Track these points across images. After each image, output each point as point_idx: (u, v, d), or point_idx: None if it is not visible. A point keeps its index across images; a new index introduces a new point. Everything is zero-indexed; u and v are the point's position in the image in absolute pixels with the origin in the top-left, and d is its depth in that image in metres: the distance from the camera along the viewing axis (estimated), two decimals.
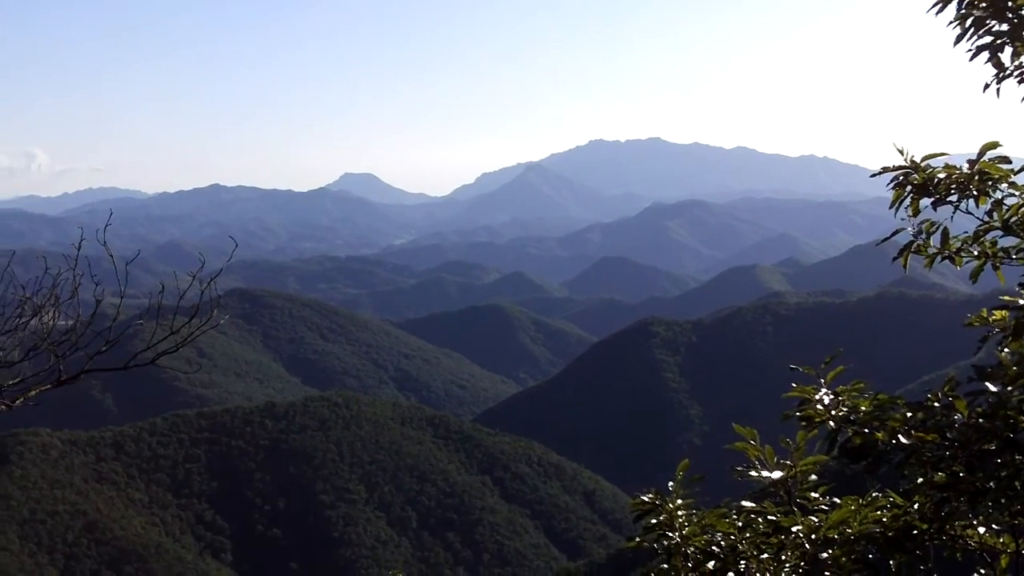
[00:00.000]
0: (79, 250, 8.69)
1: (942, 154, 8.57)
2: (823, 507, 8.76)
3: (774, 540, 8.62)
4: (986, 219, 8.15)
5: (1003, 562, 8.28)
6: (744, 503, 8.94)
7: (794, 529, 8.46)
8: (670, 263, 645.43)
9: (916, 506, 8.26)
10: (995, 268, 8.28)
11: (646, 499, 9.23)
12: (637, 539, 9.29)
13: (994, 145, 8.00)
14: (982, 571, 8.37)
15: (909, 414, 8.17)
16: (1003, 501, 7.74)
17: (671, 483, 9.25)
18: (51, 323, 8.88)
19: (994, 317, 8.34)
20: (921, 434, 8.01)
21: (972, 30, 8.39)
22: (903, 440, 8.08)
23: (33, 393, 8.79)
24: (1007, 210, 8.02)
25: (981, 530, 8.27)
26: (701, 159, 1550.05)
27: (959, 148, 8.76)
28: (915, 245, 8.41)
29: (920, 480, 8.18)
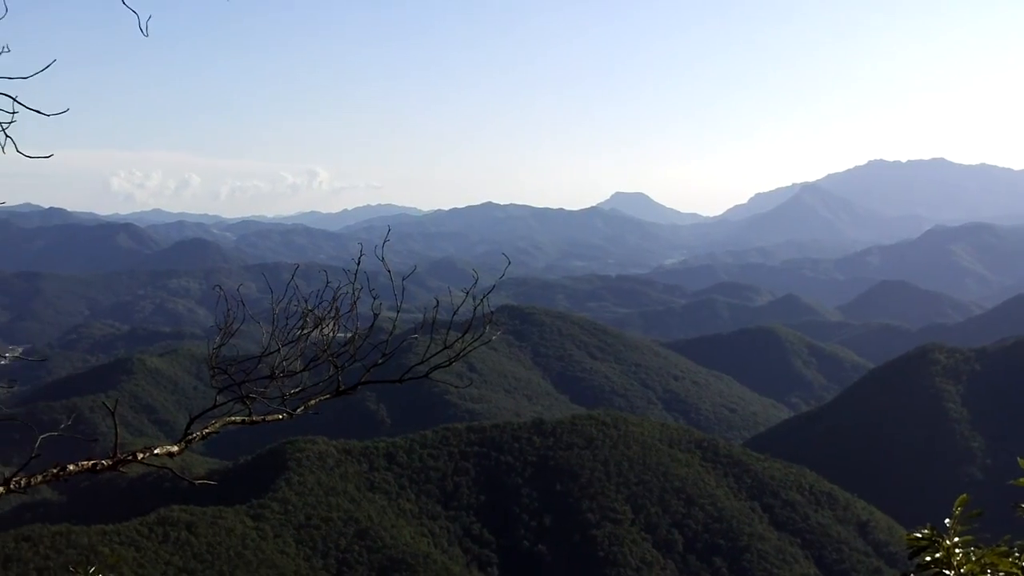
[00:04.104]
0: (358, 265, 8.93)
1: None
2: None
3: None
4: None
5: None
6: None
7: None
8: (953, 288, 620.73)
9: None
10: None
11: (921, 535, 8.84)
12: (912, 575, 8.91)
13: None
14: None
15: None
16: None
17: (948, 519, 8.83)
18: (331, 335, 9.14)
19: None
20: None
21: None
22: None
23: (313, 402, 9.05)
24: None
25: None
26: (989, 181, 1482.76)
27: None
28: None
29: None
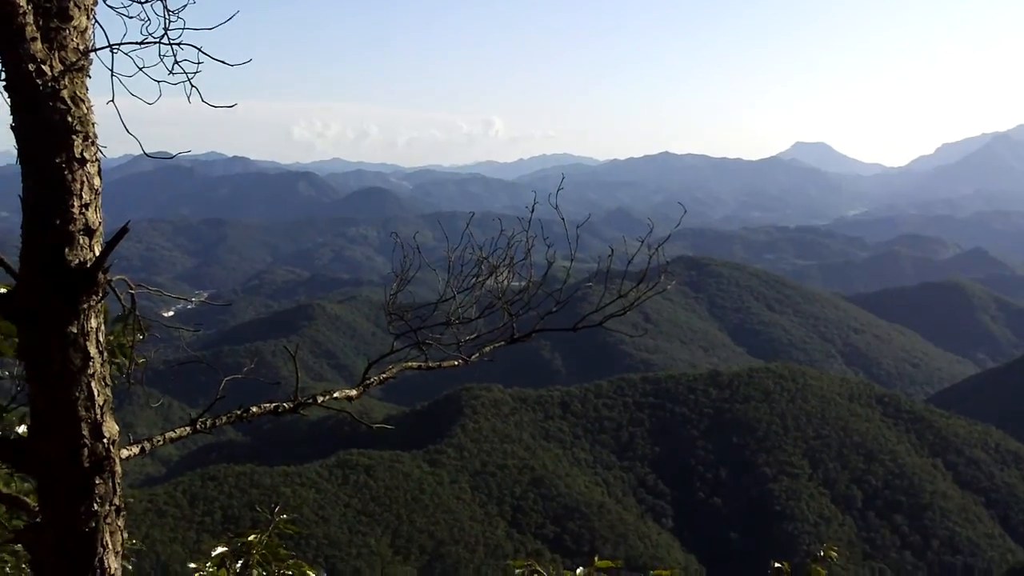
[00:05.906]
0: (531, 212, 8.91)
1: None
2: None
3: None
4: None
5: None
6: None
7: None
8: None
9: None
10: None
11: None
12: None
13: None
14: None
15: None
16: None
17: None
18: (505, 283, 9.17)
19: None
20: None
21: None
22: None
23: (488, 349, 9.10)
24: None
25: None
26: None
27: None
28: None
29: None
